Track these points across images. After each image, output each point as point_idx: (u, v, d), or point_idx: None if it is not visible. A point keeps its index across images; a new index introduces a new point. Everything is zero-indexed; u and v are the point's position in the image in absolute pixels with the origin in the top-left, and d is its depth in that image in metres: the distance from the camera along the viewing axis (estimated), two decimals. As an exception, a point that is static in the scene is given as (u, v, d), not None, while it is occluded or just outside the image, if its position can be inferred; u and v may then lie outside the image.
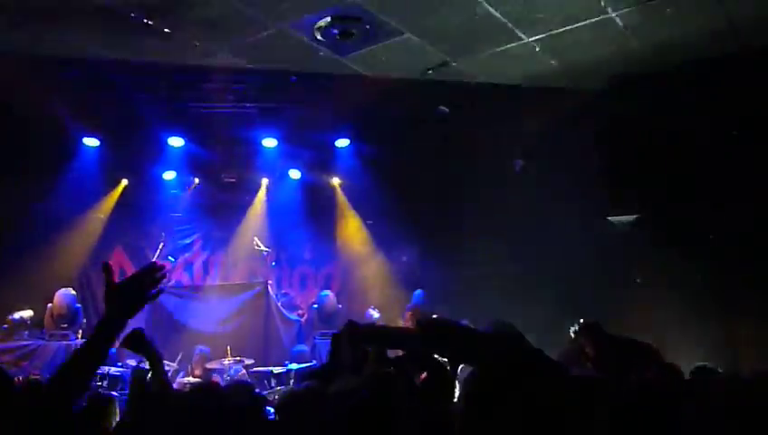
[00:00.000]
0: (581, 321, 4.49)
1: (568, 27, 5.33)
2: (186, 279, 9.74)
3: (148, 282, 2.11)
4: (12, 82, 6.77)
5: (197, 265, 9.93)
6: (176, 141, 8.65)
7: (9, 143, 7.59)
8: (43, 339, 7.61)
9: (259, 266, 9.25)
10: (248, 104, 8.12)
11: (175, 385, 6.94)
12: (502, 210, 8.17)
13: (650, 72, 6.19)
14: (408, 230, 9.54)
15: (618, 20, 5.20)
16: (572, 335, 4.51)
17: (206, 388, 3.84)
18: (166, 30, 5.40)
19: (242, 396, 3.45)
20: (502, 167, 8.25)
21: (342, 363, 3.21)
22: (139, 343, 3.32)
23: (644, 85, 6.33)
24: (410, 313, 7.15)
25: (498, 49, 5.71)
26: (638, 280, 6.99)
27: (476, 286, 8.46)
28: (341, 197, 9.87)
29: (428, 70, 6.26)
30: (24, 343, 7.50)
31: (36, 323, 7.93)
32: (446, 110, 7.92)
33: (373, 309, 8.78)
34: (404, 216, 9.31)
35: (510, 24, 5.29)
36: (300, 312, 9.31)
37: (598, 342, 4.35)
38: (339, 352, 3.30)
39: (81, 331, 7.81)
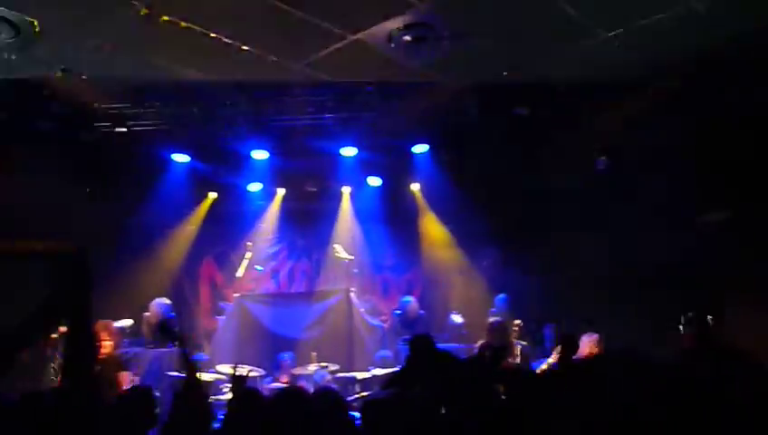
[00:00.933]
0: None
1: (648, 19, 5.13)
2: (272, 287, 10.02)
3: None
4: (108, 103, 7.24)
5: (283, 273, 10.19)
6: (259, 154, 8.95)
7: (106, 161, 8.09)
8: (141, 347, 8.00)
9: (342, 274, 9.38)
10: (327, 115, 8.31)
11: (264, 391, 7.16)
12: (587, 210, 7.99)
13: (737, 60, 5.86)
14: (491, 233, 9.46)
15: (700, 7, 4.96)
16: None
17: (293, 393, 3.95)
18: (244, 47, 5.59)
19: (328, 401, 3.52)
20: (585, 166, 8.05)
21: (421, 369, 3.25)
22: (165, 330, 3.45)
23: (731, 75, 6.01)
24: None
25: (575, 46, 5.57)
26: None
27: (562, 288, 8.28)
28: (422, 202, 9.88)
29: (504, 72, 6.19)
30: (124, 350, 7.92)
31: (135, 332, 8.35)
32: (525, 110, 7.81)
33: (456, 314, 8.73)
34: (486, 219, 9.24)
35: (586, 20, 5.15)
36: (383, 318, 9.37)
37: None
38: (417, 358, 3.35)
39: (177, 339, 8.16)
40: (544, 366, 6.75)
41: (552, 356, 6.51)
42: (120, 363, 7.16)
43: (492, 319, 7.20)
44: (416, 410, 3.15)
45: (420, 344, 5.13)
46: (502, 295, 8.44)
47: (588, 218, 7.83)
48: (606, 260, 7.81)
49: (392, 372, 6.07)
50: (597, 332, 6.29)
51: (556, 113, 7.40)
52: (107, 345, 6.89)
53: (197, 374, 3.44)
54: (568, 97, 7.02)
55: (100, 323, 7.30)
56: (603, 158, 8.13)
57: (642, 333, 6.61)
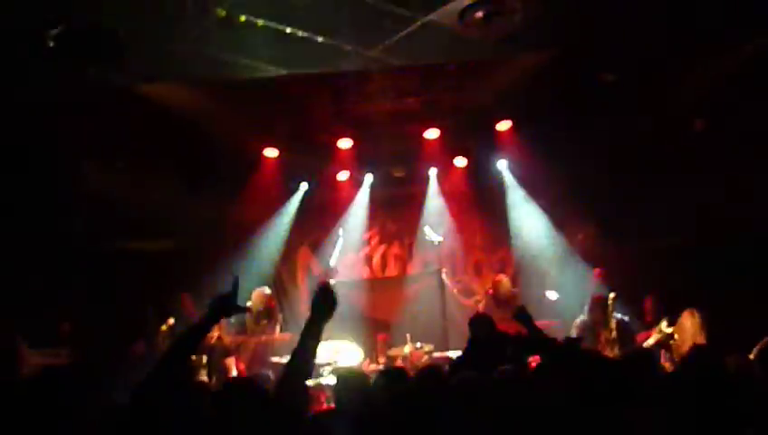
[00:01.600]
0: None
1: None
2: (366, 272, 10.23)
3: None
4: (197, 104, 7.63)
5: (376, 258, 10.38)
6: (344, 143, 9.14)
7: (201, 160, 8.53)
8: (244, 335, 8.40)
9: (433, 256, 9.43)
10: (408, 98, 8.37)
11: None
12: (684, 175, 7.65)
13: None
14: (584, 207, 9.22)
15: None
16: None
17: (395, 372, 4.07)
18: (320, 39, 5.74)
19: (430, 380, 3.63)
20: (681, 128, 7.70)
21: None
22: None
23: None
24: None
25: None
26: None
27: (662, 259, 7.98)
28: (510, 179, 9.75)
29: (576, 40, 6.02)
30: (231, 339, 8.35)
31: (239, 320, 8.78)
32: (612, 76, 7.56)
33: (551, 291, 8.59)
34: (577, 193, 9.01)
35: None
36: (477, 298, 9.36)
37: None
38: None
39: (278, 325, 8.49)
40: (651, 341, 6.57)
41: (656, 332, 6.32)
42: (227, 350, 7.57)
43: (594, 293, 7.08)
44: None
45: (480, 324, 5.21)
46: (597, 269, 8.23)
47: (683, 184, 7.48)
48: (699, 227, 7.45)
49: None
50: (698, 310, 5.98)
51: (643, 76, 7.12)
52: (213, 335, 7.30)
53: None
54: (654, 58, 6.72)
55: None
56: (700, 120, 7.77)
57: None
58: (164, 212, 8.47)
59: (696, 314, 5.86)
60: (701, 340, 5.61)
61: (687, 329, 6.03)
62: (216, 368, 7.26)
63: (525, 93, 7.95)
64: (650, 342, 6.55)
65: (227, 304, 2.89)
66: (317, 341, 2.75)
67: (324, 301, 2.79)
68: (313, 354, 2.79)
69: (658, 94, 7.24)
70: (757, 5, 5.50)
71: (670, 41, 6.32)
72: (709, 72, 6.79)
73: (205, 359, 7.07)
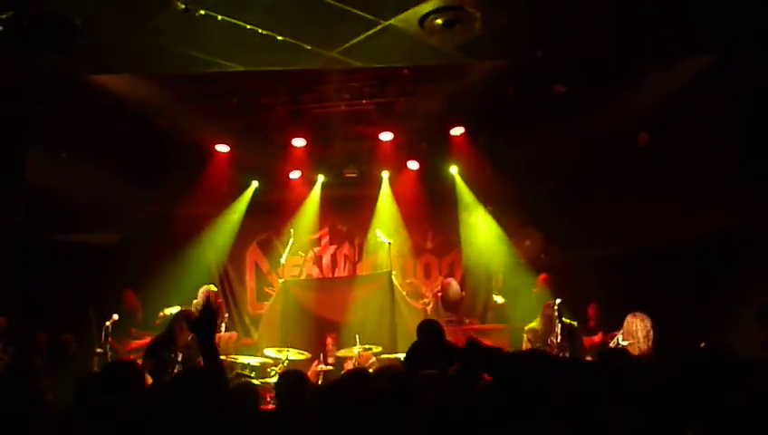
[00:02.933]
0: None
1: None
2: (315, 272, 10.21)
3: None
4: (149, 95, 7.47)
5: (326, 258, 10.37)
6: (298, 141, 9.09)
7: (150, 154, 8.36)
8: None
9: (383, 258, 9.49)
10: (363, 100, 8.39)
11: (309, 373, 7.35)
12: (629, 186, 7.90)
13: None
14: (531, 215, 9.44)
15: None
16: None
17: (357, 374, 4.08)
18: (279, 38, 5.69)
19: (386, 380, 3.65)
20: (626, 141, 7.95)
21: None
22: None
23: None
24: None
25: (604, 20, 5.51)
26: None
27: (605, 267, 8.22)
28: (461, 185, 9.88)
29: (538, 51, 6.15)
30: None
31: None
32: (563, 88, 7.75)
33: (497, 295, 8.77)
34: (526, 200, 9.22)
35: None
36: (425, 300, 9.46)
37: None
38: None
39: (223, 324, 8.39)
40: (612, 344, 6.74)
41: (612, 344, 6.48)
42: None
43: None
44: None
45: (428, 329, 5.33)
46: (542, 275, 8.44)
47: (629, 194, 7.74)
48: (642, 235, 7.72)
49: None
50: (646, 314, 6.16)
51: (592, 89, 7.34)
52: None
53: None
54: (606, 71, 6.95)
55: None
56: (645, 133, 8.03)
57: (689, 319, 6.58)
58: (110, 205, 8.27)
59: (645, 319, 6.02)
60: (649, 344, 5.79)
61: (635, 332, 6.19)
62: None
63: (479, 101, 8.10)
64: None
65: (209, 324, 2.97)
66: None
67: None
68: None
69: (606, 107, 7.46)
70: (701, 24, 5.73)
71: (621, 55, 6.54)
72: (655, 87, 7.04)
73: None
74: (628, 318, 6.07)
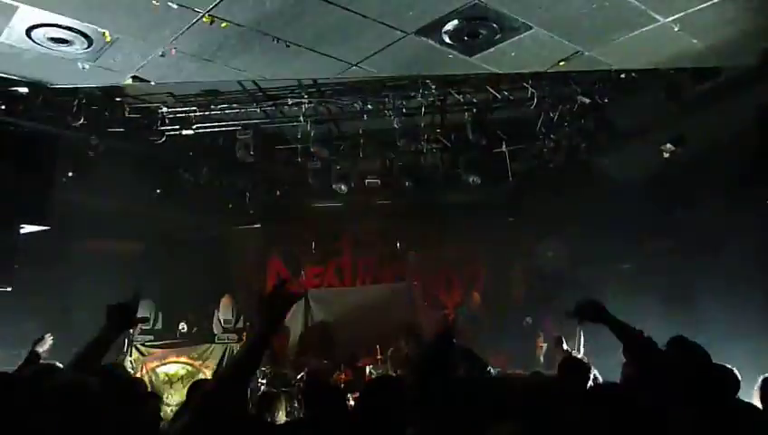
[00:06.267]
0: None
1: (709, 2, 4.99)
2: (336, 282, 10.23)
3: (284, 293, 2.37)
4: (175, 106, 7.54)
5: (347, 268, 10.38)
6: (321, 152, 9.12)
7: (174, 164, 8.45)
8: (212, 342, 8.35)
9: (406, 268, 9.49)
10: (387, 111, 8.41)
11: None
12: (654, 200, 7.82)
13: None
14: (555, 227, 9.37)
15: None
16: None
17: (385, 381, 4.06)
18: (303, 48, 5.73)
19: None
20: (651, 154, 7.87)
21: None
22: None
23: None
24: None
25: (633, 33, 5.46)
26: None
27: (632, 283, 8.11)
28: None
29: (560, 62, 6.12)
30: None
31: (208, 327, 8.72)
32: (587, 100, 7.71)
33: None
34: (550, 213, 9.16)
35: (644, 7, 5.05)
36: (446, 312, 9.43)
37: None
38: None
39: (244, 333, 8.45)
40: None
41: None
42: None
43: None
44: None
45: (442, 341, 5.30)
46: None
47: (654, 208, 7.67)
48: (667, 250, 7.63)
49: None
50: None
51: (618, 101, 7.30)
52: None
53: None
54: (630, 84, 6.91)
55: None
56: (670, 145, 7.95)
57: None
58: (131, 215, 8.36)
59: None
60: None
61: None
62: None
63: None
64: None
65: (127, 315, 2.84)
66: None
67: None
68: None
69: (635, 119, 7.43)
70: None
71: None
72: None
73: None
74: None
